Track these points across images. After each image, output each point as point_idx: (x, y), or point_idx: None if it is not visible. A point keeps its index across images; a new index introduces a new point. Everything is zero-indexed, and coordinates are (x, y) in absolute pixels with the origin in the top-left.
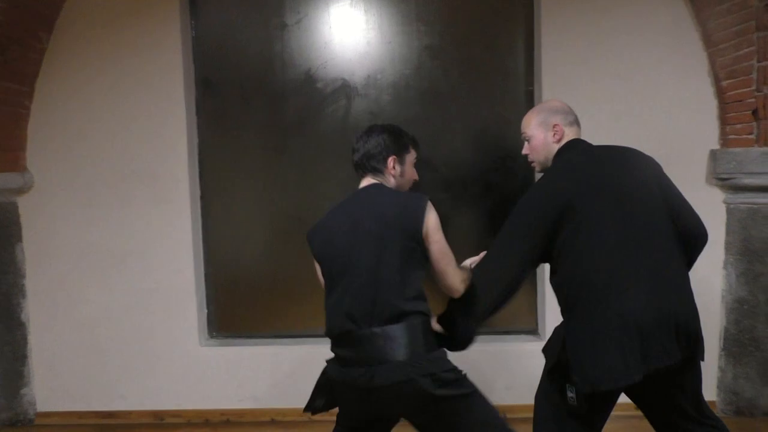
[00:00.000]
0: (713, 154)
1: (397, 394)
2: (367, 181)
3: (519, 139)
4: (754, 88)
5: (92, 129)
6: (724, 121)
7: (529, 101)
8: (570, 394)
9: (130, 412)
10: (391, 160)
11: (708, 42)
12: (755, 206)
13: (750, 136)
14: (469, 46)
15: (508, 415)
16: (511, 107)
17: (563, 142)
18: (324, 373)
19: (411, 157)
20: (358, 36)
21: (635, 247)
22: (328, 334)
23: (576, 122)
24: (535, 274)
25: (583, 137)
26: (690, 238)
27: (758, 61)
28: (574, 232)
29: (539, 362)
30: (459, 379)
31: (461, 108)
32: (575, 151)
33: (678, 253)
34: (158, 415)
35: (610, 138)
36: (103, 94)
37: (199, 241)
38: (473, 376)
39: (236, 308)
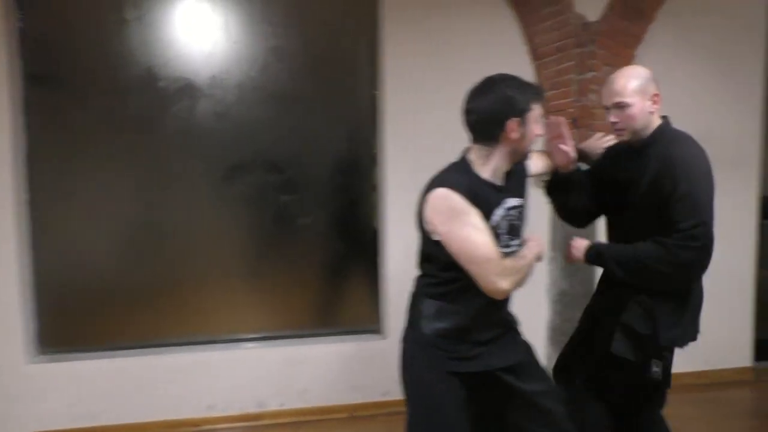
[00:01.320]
0: None
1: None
2: (466, 152)
3: (367, 142)
4: (573, 98)
5: None
6: None
7: (374, 104)
8: None
9: None
10: (512, 124)
11: (535, 55)
12: None
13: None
14: (314, 48)
15: (355, 414)
16: (357, 110)
17: (656, 114)
18: None
19: (534, 114)
20: (203, 35)
21: None
22: None
23: None
24: (376, 275)
25: (425, 144)
26: None
27: (577, 75)
28: None
29: (384, 361)
30: None
31: (308, 110)
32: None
33: None
34: None
35: (450, 142)
36: None
37: (25, 249)
38: (317, 377)
39: (71, 321)
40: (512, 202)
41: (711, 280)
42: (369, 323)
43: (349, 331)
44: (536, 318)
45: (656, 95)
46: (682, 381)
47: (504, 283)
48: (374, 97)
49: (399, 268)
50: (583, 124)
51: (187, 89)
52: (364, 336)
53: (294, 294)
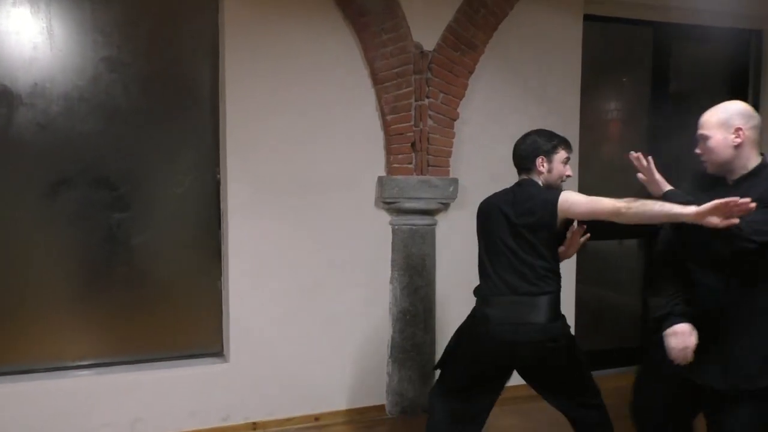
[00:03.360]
0: (380, 180)
1: (534, 349)
2: (521, 177)
3: (208, 159)
4: (412, 123)
5: None
6: (389, 151)
7: (215, 119)
8: None
9: None
10: (539, 160)
11: (375, 80)
12: (414, 227)
13: (410, 166)
14: (151, 61)
15: None
16: (197, 124)
17: (745, 148)
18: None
19: (560, 156)
20: (23, 39)
21: None
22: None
23: (758, 129)
24: (220, 299)
25: (267, 163)
26: None
27: (416, 100)
28: None
29: (226, 385)
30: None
31: (143, 124)
32: None
33: None
34: None
35: (291, 162)
36: None
37: None
38: (151, 405)
39: None
40: None
41: None
42: (210, 346)
43: (189, 355)
44: (379, 337)
45: (739, 129)
46: (505, 394)
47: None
48: (215, 112)
49: (243, 289)
50: (420, 148)
51: (3, 96)
52: (204, 360)
53: (128, 318)
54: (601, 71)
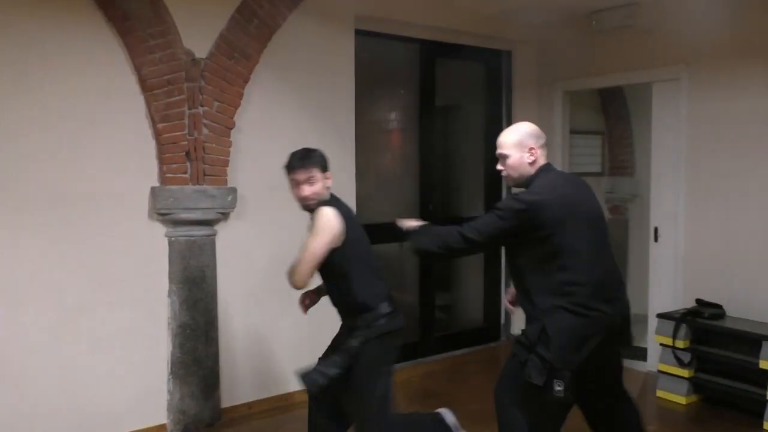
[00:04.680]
0: (153, 191)
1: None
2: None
3: None
4: (186, 132)
5: None
6: (162, 161)
7: None
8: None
9: None
10: (329, 173)
11: (144, 86)
12: (192, 238)
13: (185, 175)
14: None
15: None
16: None
17: (538, 163)
18: None
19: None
20: None
21: (602, 254)
22: None
23: (545, 146)
24: None
25: (18, 177)
26: None
27: (189, 108)
28: (561, 236)
29: None
30: None
31: None
32: (553, 173)
33: None
34: None
35: (49, 176)
36: None
37: None
38: None
39: None
40: None
41: None
42: None
43: None
44: (157, 353)
45: (533, 148)
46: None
47: None
48: None
49: None
50: (196, 157)
51: None
52: None
53: None
54: (375, 84)
